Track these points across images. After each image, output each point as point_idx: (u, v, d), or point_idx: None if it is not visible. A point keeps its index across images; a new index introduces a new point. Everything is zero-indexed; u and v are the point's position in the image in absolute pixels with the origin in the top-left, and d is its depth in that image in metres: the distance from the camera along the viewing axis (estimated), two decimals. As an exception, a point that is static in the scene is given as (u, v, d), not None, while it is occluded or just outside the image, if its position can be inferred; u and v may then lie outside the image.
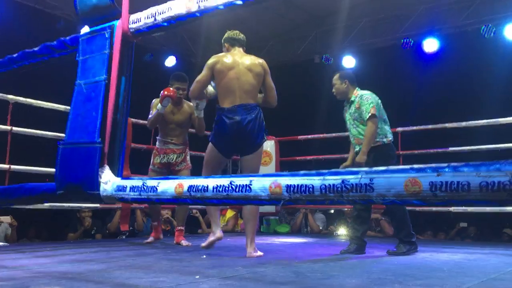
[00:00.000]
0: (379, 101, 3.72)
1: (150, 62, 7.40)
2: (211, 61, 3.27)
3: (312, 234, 6.06)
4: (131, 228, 5.46)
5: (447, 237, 6.35)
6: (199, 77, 3.28)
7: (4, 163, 4.02)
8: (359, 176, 1.35)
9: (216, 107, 3.29)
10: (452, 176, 1.21)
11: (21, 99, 4.19)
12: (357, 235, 3.60)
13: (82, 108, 2.21)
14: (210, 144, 3.33)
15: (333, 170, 1.44)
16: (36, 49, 2.60)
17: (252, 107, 3.20)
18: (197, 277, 2.17)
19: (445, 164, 1.24)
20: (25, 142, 4.45)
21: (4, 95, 4.09)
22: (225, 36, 3.43)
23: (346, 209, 6.26)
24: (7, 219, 4.59)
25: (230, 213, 6.35)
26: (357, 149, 3.71)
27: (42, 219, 6.20)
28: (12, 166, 4.07)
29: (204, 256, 3.11)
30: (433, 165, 1.27)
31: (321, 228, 6.38)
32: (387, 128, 3.70)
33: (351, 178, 1.36)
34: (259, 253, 3.21)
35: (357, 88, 3.79)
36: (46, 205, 4.23)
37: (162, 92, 4.01)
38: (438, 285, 2.04)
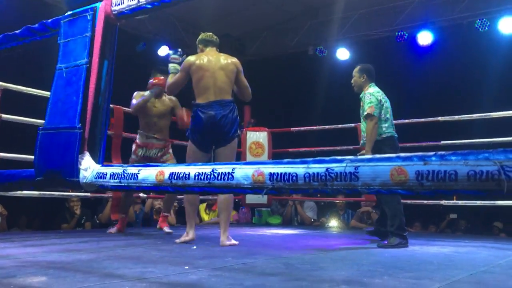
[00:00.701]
0: (383, 99, 3.83)
1: (143, 51, 7.32)
2: (186, 63, 3.47)
3: (303, 226, 6.07)
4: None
5: (438, 230, 6.39)
6: (177, 76, 3.50)
7: (-6, 151, 3.97)
8: (344, 164, 1.31)
9: (192, 104, 3.45)
10: (439, 165, 1.17)
11: (11, 85, 4.13)
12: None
13: (63, 93, 2.16)
14: (189, 141, 3.50)
15: (317, 158, 1.40)
16: (17, 32, 2.54)
17: (227, 102, 3.38)
18: (186, 267, 2.16)
19: (432, 153, 1.21)
20: (14, 129, 4.39)
21: (-6, 82, 4.03)
22: (199, 38, 3.63)
23: (337, 201, 6.28)
24: (-4, 208, 4.55)
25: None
26: (361, 142, 3.99)
27: (32, 208, 6.16)
28: (1, 154, 4.02)
29: (194, 247, 3.10)
30: (420, 153, 1.23)
31: (311, 217, 6.37)
32: (384, 126, 3.79)
33: (336, 167, 1.32)
34: (233, 241, 3.31)
35: (370, 84, 3.91)
36: (36, 193, 4.19)
37: (151, 80, 4.20)
38: (428, 277, 2.04)
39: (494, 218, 6.32)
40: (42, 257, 2.47)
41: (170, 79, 3.57)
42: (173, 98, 4.31)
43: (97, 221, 5.36)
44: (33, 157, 3.88)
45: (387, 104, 3.88)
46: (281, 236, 4.35)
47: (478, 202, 4.74)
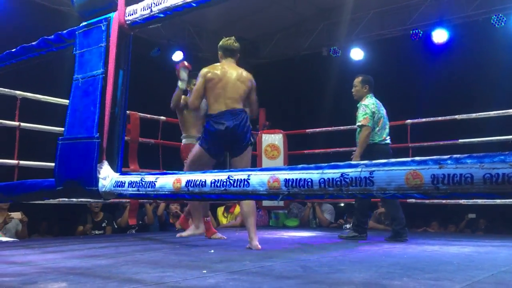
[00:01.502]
0: (377, 111, 4.16)
1: (157, 57, 7.39)
2: (203, 71, 3.49)
3: (321, 228, 6.04)
4: (140, 222, 5.49)
5: (457, 230, 6.30)
6: (195, 87, 3.50)
7: (13, 159, 4.04)
8: (359, 169, 1.31)
9: (205, 114, 3.57)
10: (454, 169, 1.17)
11: (29, 94, 4.21)
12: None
13: (80, 103, 2.19)
14: (198, 146, 3.51)
15: (332, 163, 1.40)
16: (34, 43, 2.59)
17: (239, 111, 3.41)
18: (204, 271, 2.17)
19: (447, 156, 1.20)
20: (33, 137, 4.46)
21: (12, 90, 4.11)
22: (220, 44, 3.58)
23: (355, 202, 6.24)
24: (17, 215, 4.62)
25: (238, 210, 6.35)
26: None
27: (53, 214, 6.25)
28: (21, 162, 4.09)
29: (212, 251, 3.11)
30: (435, 157, 1.22)
31: (329, 219, 6.35)
32: (377, 134, 4.16)
33: (351, 172, 1.32)
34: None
35: (368, 95, 4.26)
36: (55, 200, 4.25)
37: (177, 66, 4.06)
38: (448, 278, 2.02)
39: (514, 217, 6.21)
40: (62, 263, 2.50)
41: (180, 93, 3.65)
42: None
43: (115, 226, 5.41)
44: (51, 164, 3.95)
45: (381, 114, 4.22)
46: (299, 239, 4.34)
47: (498, 201, 4.67)
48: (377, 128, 4.16)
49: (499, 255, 3.04)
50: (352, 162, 1.36)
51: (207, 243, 3.67)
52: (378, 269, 2.31)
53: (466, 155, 1.18)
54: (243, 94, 3.46)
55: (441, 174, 1.19)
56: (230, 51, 3.54)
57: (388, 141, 4.26)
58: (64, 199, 4.31)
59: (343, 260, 2.74)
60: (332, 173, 1.36)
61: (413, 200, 5.12)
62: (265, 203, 6.18)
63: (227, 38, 3.58)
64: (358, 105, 4.26)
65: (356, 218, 4.21)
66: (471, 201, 5.19)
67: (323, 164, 1.41)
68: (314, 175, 1.40)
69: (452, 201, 5.07)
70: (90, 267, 2.33)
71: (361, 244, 3.78)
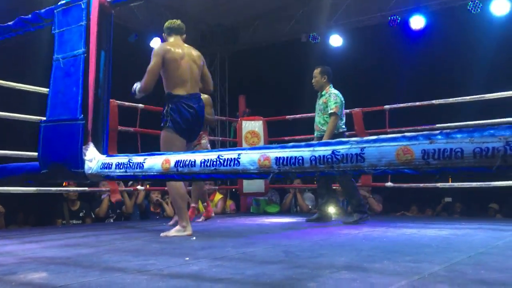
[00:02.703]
0: (343, 101, 4.53)
1: (135, 43, 7.27)
2: (160, 49, 3.40)
3: (301, 214, 6.09)
4: (118, 211, 5.44)
5: (434, 213, 6.43)
6: (150, 67, 3.36)
7: (-12, 149, 3.95)
8: (349, 146, 1.31)
9: (168, 94, 3.39)
10: (445, 143, 1.17)
11: (2, 82, 4.10)
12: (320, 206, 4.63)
13: (62, 84, 2.13)
14: (167, 130, 3.36)
15: (322, 141, 1.40)
16: (10, 23, 2.50)
17: (199, 96, 3.50)
18: (187, 259, 2.17)
19: (438, 131, 1.20)
20: (7, 126, 4.36)
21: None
22: (166, 25, 3.61)
23: (336, 188, 6.30)
24: (-6, 205, 4.53)
25: (218, 196, 6.36)
26: (315, 134, 4.65)
27: (29, 205, 6.13)
28: (-4, 151, 4.00)
29: (194, 238, 3.11)
30: (426, 132, 1.23)
31: (310, 207, 6.41)
32: (340, 123, 4.49)
33: (342, 149, 1.32)
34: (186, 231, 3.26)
35: (330, 85, 4.60)
36: (33, 189, 4.18)
37: None
38: (427, 260, 2.06)
39: (489, 200, 6.37)
40: (42, 253, 2.47)
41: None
42: (206, 96, 4.22)
43: (93, 216, 5.33)
44: (27, 153, 3.86)
45: (344, 104, 4.55)
46: (280, 225, 4.36)
47: (474, 184, 4.76)
48: (341, 118, 4.50)
49: (475, 237, 3.11)
50: (343, 140, 1.36)
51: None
52: (359, 253, 2.34)
53: (456, 129, 1.18)
54: (198, 73, 3.52)
55: (431, 149, 1.19)
56: (178, 29, 3.57)
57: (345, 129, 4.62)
58: (42, 188, 4.24)
59: (324, 244, 2.77)
60: (323, 150, 1.36)
61: (391, 184, 5.21)
62: (246, 189, 6.19)
63: (171, 20, 3.62)
64: (322, 93, 4.57)
65: (355, 200, 4.38)
66: (447, 185, 5.29)
67: (313, 142, 1.41)
68: (305, 153, 1.39)
69: (429, 185, 5.16)
70: (70, 256, 2.31)
71: (341, 229, 3.82)
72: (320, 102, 4.58)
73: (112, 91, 4.31)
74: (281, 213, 6.28)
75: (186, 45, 3.55)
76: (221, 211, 6.25)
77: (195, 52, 3.54)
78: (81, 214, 5.22)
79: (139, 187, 5.23)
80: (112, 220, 5.32)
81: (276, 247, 2.59)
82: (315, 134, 4.66)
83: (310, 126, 6.65)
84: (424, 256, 2.23)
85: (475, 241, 2.86)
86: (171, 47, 3.42)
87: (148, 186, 5.41)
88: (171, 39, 3.54)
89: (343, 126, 4.55)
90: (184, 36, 3.62)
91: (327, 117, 4.46)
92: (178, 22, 3.60)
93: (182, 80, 3.39)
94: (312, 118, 6.43)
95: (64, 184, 5.35)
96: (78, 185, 5.00)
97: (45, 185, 4.26)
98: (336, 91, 4.53)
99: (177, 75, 3.38)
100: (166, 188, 5.55)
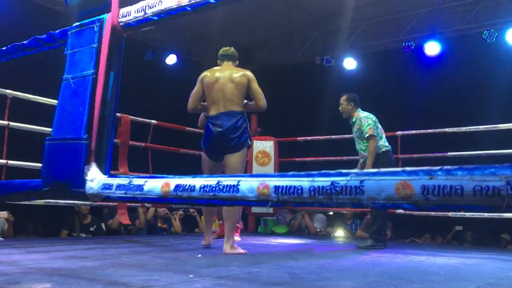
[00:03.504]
0: (376, 119, 4.39)
1: (150, 60, 7.37)
2: (200, 76, 3.65)
3: (309, 236, 6.04)
4: (129, 227, 5.44)
5: (444, 241, 6.33)
6: (193, 90, 3.65)
7: (1, 158, 4.00)
8: (349, 178, 1.30)
9: (206, 117, 3.64)
10: (445, 180, 1.16)
11: (19, 94, 4.18)
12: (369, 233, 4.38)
13: (69, 103, 2.17)
14: (203, 151, 3.68)
15: (322, 171, 1.39)
16: (25, 42, 2.56)
17: (234, 113, 3.49)
18: (191, 276, 2.16)
19: (438, 167, 1.20)
20: (23, 137, 4.42)
21: (3, 89, 4.07)
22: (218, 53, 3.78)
23: (345, 211, 6.26)
24: (4, 214, 4.56)
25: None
26: (361, 161, 4.48)
27: (39, 216, 6.17)
28: (9, 162, 4.05)
29: (200, 256, 3.09)
30: (426, 168, 1.22)
31: (318, 229, 6.36)
32: (380, 142, 4.37)
33: (341, 180, 1.31)
34: (240, 250, 3.37)
35: (358, 109, 4.48)
36: (42, 201, 4.21)
37: None
38: (434, 289, 2.03)
39: (501, 230, 6.26)
40: (47, 263, 2.48)
41: None
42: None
43: (104, 229, 5.33)
44: (40, 165, 3.90)
45: (378, 122, 4.42)
46: (287, 246, 4.33)
47: (486, 214, 4.70)
48: (380, 136, 4.37)
49: (485, 267, 3.05)
50: (343, 171, 1.36)
51: (195, 248, 3.65)
52: (365, 278, 2.31)
53: (456, 166, 1.17)
54: (240, 93, 3.52)
55: (431, 185, 1.18)
56: (226, 56, 3.69)
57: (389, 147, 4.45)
58: (51, 200, 4.27)
59: (330, 268, 2.74)
60: (322, 181, 1.35)
61: (402, 211, 5.15)
62: (254, 209, 6.17)
63: (224, 48, 3.77)
64: (353, 120, 4.47)
65: (377, 226, 4.23)
66: (458, 214, 5.22)
67: (313, 172, 1.40)
68: (304, 182, 1.39)
69: (440, 213, 5.10)
70: (75, 268, 2.31)
71: (349, 253, 3.78)
72: (354, 129, 4.48)
73: (126, 106, 4.39)
74: (289, 234, 6.23)
75: (233, 68, 3.64)
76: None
77: (238, 73, 3.56)
78: (91, 229, 5.22)
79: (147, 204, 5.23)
80: (124, 234, 5.31)
81: (282, 268, 2.57)
82: (360, 161, 4.50)
83: (321, 149, 6.66)
84: (432, 284, 2.19)
85: (484, 271, 2.80)
86: (209, 72, 3.60)
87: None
88: (222, 64, 3.69)
89: (386, 144, 4.40)
90: (236, 62, 3.73)
91: (366, 142, 4.32)
92: (228, 49, 3.73)
93: (214, 101, 3.52)
94: (324, 141, 6.46)
95: (73, 197, 5.39)
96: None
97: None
98: (365, 114, 4.42)
99: (210, 97, 3.54)
100: (173, 206, 5.58)
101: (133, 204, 5.19)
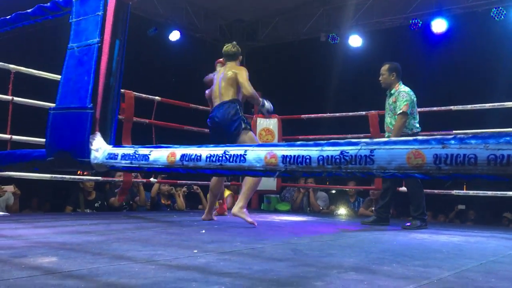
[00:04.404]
0: (415, 99, 4.22)
1: (154, 36, 7.31)
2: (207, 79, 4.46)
3: (312, 213, 6.07)
4: (131, 202, 5.48)
5: (447, 220, 6.36)
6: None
7: (5, 133, 4.01)
8: (359, 147, 1.27)
9: None
10: (458, 149, 1.13)
11: (23, 69, 4.16)
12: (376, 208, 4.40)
13: (74, 72, 2.14)
14: None
15: (331, 141, 1.37)
16: (29, 10, 2.53)
17: (225, 103, 3.87)
18: (195, 251, 2.17)
19: (451, 136, 1.17)
20: (26, 112, 4.42)
21: (6, 64, 4.05)
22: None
23: (347, 189, 6.28)
24: (10, 188, 4.58)
25: (227, 192, 6.37)
26: (386, 135, 4.34)
27: (45, 191, 6.22)
28: (14, 137, 4.06)
29: (204, 231, 3.12)
30: (438, 136, 1.19)
31: (321, 207, 6.39)
32: (412, 122, 4.19)
33: (351, 150, 1.28)
34: (247, 217, 3.62)
35: (400, 82, 4.28)
36: (47, 176, 4.23)
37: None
38: (437, 266, 2.04)
39: (504, 209, 6.28)
40: (53, 238, 2.50)
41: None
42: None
43: (107, 205, 5.36)
44: (44, 140, 3.91)
45: (416, 102, 4.23)
46: (290, 223, 4.36)
47: (489, 193, 4.71)
48: (414, 116, 4.20)
49: (488, 245, 3.06)
50: (352, 140, 1.34)
51: (199, 224, 3.68)
52: (368, 255, 2.32)
53: (470, 135, 1.15)
54: (230, 86, 3.89)
55: (444, 154, 1.15)
56: (227, 56, 4.06)
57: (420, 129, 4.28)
58: (57, 176, 4.30)
59: (333, 244, 2.76)
60: (331, 151, 1.32)
61: (405, 189, 5.16)
62: (258, 186, 6.17)
63: (226, 44, 4.10)
64: (391, 92, 4.26)
65: (418, 204, 4.12)
66: (462, 192, 5.23)
67: (322, 142, 1.38)
68: (312, 152, 1.36)
69: (444, 191, 5.11)
70: (80, 243, 2.33)
71: (352, 230, 3.80)
72: (390, 101, 4.26)
73: (130, 82, 4.36)
74: (291, 211, 6.27)
75: (231, 66, 3.98)
76: (230, 207, 6.26)
77: (229, 70, 3.93)
78: (96, 205, 5.25)
79: (152, 179, 5.26)
80: (124, 211, 5.35)
81: (285, 245, 2.59)
82: (386, 135, 4.33)
83: (325, 127, 6.64)
84: (434, 261, 2.20)
85: (487, 249, 2.82)
86: (214, 76, 4.14)
87: (158, 178, 5.44)
88: (227, 64, 4.05)
89: (417, 125, 4.22)
90: (237, 59, 4.06)
91: (393, 117, 4.19)
92: (226, 47, 4.07)
93: (214, 99, 4.02)
94: (329, 119, 6.43)
95: (78, 172, 5.41)
96: (92, 175, 5.04)
97: (59, 172, 4.31)
98: (406, 89, 4.21)
99: (212, 97, 4.08)
100: (177, 182, 5.61)
101: (137, 180, 5.22)
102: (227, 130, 3.78)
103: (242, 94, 3.92)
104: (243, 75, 3.90)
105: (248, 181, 3.76)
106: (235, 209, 3.66)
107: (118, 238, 2.57)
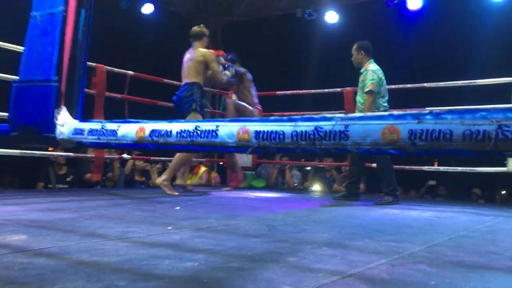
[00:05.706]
0: (383, 77, 4.21)
1: (126, 9, 7.10)
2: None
3: (287, 190, 6.12)
4: (104, 178, 5.40)
5: (418, 195, 6.50)
6: None
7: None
8: (333, 122, 1.25)
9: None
10: (433, 124, 1.12)
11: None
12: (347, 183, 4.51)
13: (37, 43, 2.05)
14: None
15: (305, 116, 1.35)
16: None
17: (186, 84, 4.33)
18: (169, 228, 2.16)
19: (427, 111, 1.17)
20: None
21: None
22: None
23: (322, 165, 6.33)
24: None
25: (202, 168, 6.35)
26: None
27: (15, 167, 6.07)
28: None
29: (178, 208, 3.10)
30: (414, 111, 1.18)
31: (296, 184, 6.44)
32: (380, 101, 4.19)
33: (325, 125, 1.26)
34: (169, 189, 4.10)
35: (371, 60, 4.26)
36: (17, 151, 4.12)
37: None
38: (408, 241, 2.08)
39: (473, 185, 6.44)
40: (23, 215, 2.44)
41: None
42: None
43: (80, 181, 5.28)
44: (3, 113, 3.76)
45: (385, 81, 4.23)
46: (265, 199, 4.38)
47: (459, 169, 4.80)
48: (382, 95, 4.19)
49: (457, 220, 3.14)
50: (327, 115, 1.32)
51: (173, 200, 3.66)
52: (341, 230, 2.35)
53: (446, 110, 1.14)
54: (194, 69, 4.30)
55: (419, 129, 1.15)
56: (192, 36, 4.43)
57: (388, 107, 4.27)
58: (26, 151, 4.19)
59: (307, 220, 2.78)
60: (305, 126, 1.30)
61: (375, 165, 5.23)
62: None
63: (194, 27, 4.47)
64: (361, 70, 4.25)
65: (388, 181, 4.14)
66: (432, 168, 5.34)
67: (296, 117, 1.36)
68: (286, 127, 1.34)
69: (415, 167, 5.20)
70: (52, 220, 2.29)
71: (325, 206, 3.85)
72: (360, 80, 4.26)
73: (102, 56, 4.24)
74: (266, 188, 6.30)
75: (196, 48, 4.38)
76: (206, 183, 6.26)
77: (200, 52, 4.34)
78: (68, 179, 5.15)
79: (125, 155, 5.18)
80: (99, 187, 5.28)
81: (260, 221, 2.60)
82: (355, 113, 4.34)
83: (299, 103, 6.64)
84: (406, 236, 2.24)
85: (456, 224, 2.89)
86: (184, 56, 4.44)
87: (134, 153, 5.37)
88: (195, 44, 4.43)
89: (385, 104, 4.20)
90: (203, 39, 4.44)
91: (363, 96, 4.17)
92: (194, 28, 4.47)
93: (182, 78, 4.42)
94: (304, 96, 6.42)
95: (50, 148, 5.29)
96: (64, 151, 4.93)
97: (30, 148, 4.19)
98: (374, 67, 4.18)
99: (181, 76, 4.45)
100: (151, 158, 5.55)
101: (110, 156, 5.14)
102: (180, 109, 4.23)
103: (205, 76, 4.39)
104: (214, 67, 4.38)
105: (177, 156, 4.20)
106: (158, 180, 4.20)
107: (91, 215, 2.54)
